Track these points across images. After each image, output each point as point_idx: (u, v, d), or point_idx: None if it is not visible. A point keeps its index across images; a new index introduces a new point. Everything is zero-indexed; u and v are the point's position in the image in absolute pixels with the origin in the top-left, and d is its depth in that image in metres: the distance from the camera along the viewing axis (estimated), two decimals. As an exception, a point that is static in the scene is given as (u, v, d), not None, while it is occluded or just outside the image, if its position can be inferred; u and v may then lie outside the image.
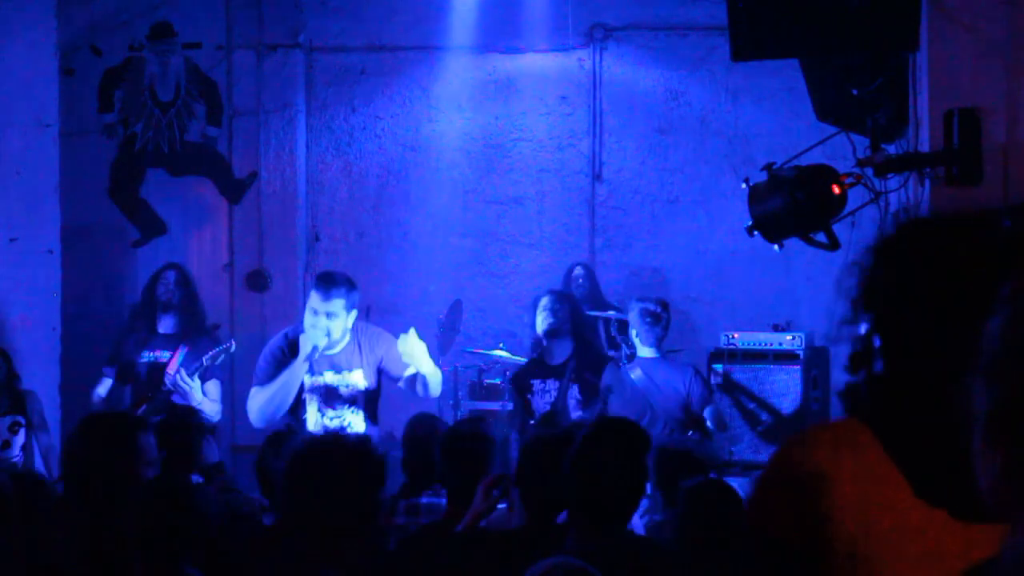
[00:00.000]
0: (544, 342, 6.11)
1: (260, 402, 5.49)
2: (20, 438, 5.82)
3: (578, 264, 8.23)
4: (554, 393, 6.01)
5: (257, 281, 8.71)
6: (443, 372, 6.16)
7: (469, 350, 7.93)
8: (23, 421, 5.85)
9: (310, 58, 8.88)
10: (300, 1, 8.80)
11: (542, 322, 6.09)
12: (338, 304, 5.38)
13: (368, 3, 8.84)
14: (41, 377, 6.78)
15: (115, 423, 3.77)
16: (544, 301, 6.17)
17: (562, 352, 6.08)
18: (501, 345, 7.81)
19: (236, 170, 8.77)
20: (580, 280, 8.03)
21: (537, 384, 6.09)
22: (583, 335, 6.27)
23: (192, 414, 5.32)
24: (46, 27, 7.12)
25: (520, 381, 6.20)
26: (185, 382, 6.01)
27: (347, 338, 5.51)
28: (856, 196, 5.02)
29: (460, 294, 8.14)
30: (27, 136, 7.06)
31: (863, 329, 1.74)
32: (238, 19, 8.75)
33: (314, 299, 5.41)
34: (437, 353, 7.10)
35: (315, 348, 5.38)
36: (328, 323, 5.37)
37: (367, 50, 8.88)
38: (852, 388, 1.75)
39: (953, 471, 1.57)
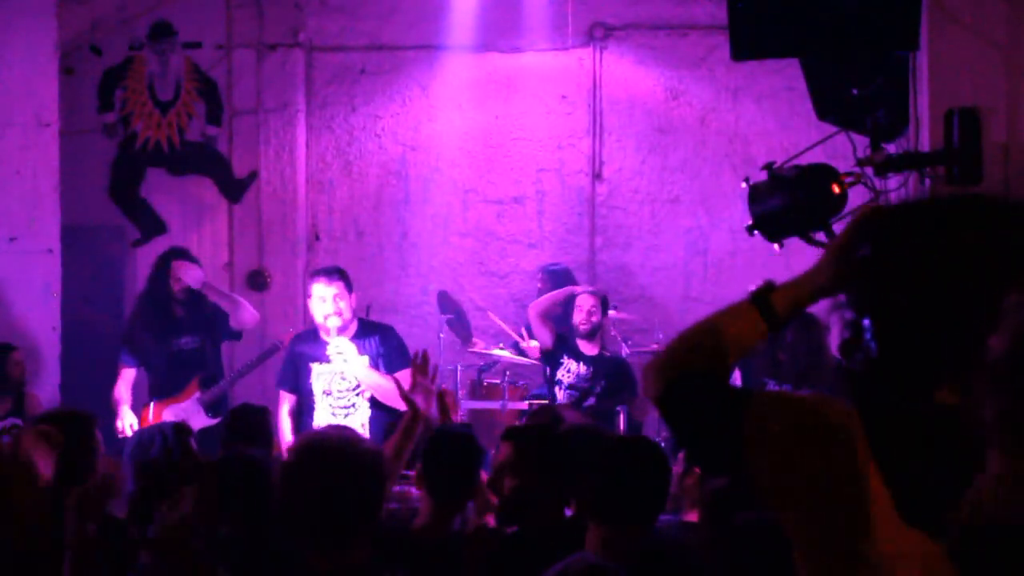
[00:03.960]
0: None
1: None
2: (18, 440, 5.81)
3: (541, 268, 8.25)
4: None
5: (257, 281, 8.71)
6: (443, 371, 6.18)
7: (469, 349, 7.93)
8: (20, 424, 5.85)
9: (310, 57, 8.88)
10: (300, 1, 8.79)
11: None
12: (341, 285, 5.66)
13: (368, 3, 8.84)
14: (41, 377, 6.78)
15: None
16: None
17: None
18: (501, 345, 7.81)
19: (236, 169, 8.76)
20: (538, 284, 8.10)
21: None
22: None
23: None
24: (46, 27, 7.12)
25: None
26: None
27: (353, 326, 5.72)
28: (856, 196, 5.01)
29: (460, 294, 8.14)
30: (27, 136, 7.06)
31: (853, 312, 1.59)
32: (238, 19, 8.75)
33: (319, 288, 5.66)
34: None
35: (334, 329, 5.60)
36: (340, 304, 5.61)
37: (367, 49, 8.88)
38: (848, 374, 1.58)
39: (935, 489, 1.43)
